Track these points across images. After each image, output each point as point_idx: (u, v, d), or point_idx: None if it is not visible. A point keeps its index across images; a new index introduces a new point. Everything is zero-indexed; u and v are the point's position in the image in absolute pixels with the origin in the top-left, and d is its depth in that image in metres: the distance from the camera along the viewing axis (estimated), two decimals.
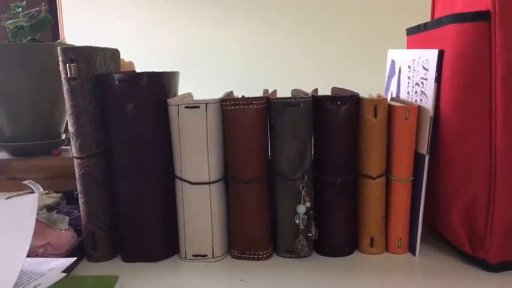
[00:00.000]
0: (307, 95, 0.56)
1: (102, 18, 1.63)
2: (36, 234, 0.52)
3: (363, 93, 0.58)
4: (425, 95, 0.54)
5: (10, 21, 0.82)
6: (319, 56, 1.57)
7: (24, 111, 0.81)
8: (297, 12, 1.58)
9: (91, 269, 0.54)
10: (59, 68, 0.53)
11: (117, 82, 0.53)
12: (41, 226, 0.56)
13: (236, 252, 0.56)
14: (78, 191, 0.55)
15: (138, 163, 0.54)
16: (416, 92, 0.57)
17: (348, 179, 0.55)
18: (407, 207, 0.56)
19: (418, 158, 0.54)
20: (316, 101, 0.54)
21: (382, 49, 0.72)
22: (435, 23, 0.55)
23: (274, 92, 0.64)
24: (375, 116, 0.53)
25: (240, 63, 1.60)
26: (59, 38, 1.54)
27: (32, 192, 0.67)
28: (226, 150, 0.55)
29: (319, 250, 0.57)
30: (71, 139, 0.54)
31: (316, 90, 0.63)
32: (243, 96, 0.59)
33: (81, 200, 0.55)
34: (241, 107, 0.53)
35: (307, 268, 0.54)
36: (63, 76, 0.53)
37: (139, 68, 0.73)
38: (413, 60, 0.58)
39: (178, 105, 0.53)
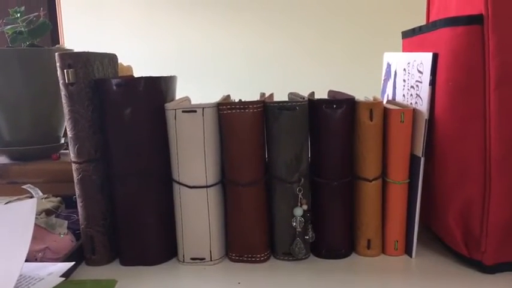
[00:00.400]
0: (304, 98, 0.56)
1: (103, 22, 1.64)
2: (35, 238, 0.53)
3: (362, 96, 0.59)
4: (420, 97, 0.54)
5: (9, 27, 0.83)
6: (319, 58, 1.58)
7: (24, 115, 0.82)
8: (296, 15, 1.58)
9: (90, 273, 0.54)
10: (57, 73, 0.53)
11: (114, 87, 0.53)
12: (40, 230, 0.56)
13: (234, 255, 0.57)
14: (77, 195, 0.56)
15: (135, 167, 0.54)
16: (411, 94, 0.57)
17: (345, 182, 0.55)
18: (404, 209, 0.56)
19: (413, 161, 0.55)
20: (313, 105, 0.54)
21: (381, 51, 0.72)
22: (430, 26, 0.55)
23: (271, 95, 0.65)
24: (371, 119, 0.54)
25: (241, 65, 1.60)
26: (59, 43, 1.55)
27: (32, 196, 0.68)
28: (223, 153, 0.55)
29: (317, 252, 0.57)
30: (69, 144, 0.55)
31: (312, 93, 0.63)
32: (240, 100, 0.59)
33: (79, 204, 0.56)
34: (238, 111, 0.53)
35: (304, 271, 0.54)
36: (61, 81, 0.53)
37: (139, 72, 0.73)
38: (409, 63, 0.58)
39: (175, 109, 0.53)
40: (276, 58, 1.59)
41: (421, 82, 0.54)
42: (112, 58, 0.61)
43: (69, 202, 0.67)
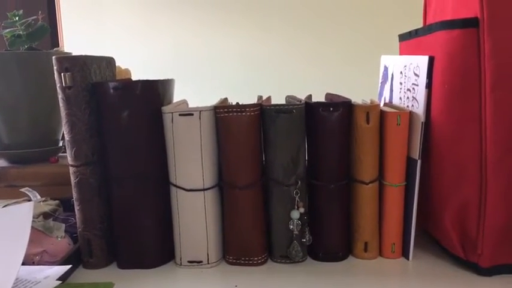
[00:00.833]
0: (301, 101, 0.56)
1: (102, 25, 1.64)
2: (32, 241, 0.53)
3: (359, 99, 0.59)
4: (417, 100, 0.54)
5: (7, 30, 0.83)
6: (317, 60, 1.58)
7: (22, 118, 0.82)
8: (295, 18, 1.59)
9: (87, 276, 0.54)
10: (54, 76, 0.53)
11: (111, 90, 0.53)
12: (37, 234, 0.56)
13: (231, 258, 0.57)
14: (74, 198, 0.56)
15: (133, 170, 0.55)
16: (408, 97, 0.57)
17: (341, 185, 0.56)
18: (400, 212, 0.56)
19: (410, 163, 0.55)
20: (309, 108, 0.54)
21: (379, 54, 0.72)
22: (426, 29, 0.56)
23: (268, 98, 0.65)
24: (367, 121, 0.54)
25: (238, 68, 1.61)
26: (58, 46, 1.55)
27: (30, 199, 0.68)
28: (220, 156, 0.55)
29: (314, 255, 0.57)
30: (67, 147, 0.55)
31: (310, 96, 0.63)
32: (237, 103, 0.59)
33: (76, 208, 0.56)
34: (235, 114, 0.53)
35: (301, 273, 0.54)
36: (58, 85, 0.53)
37: (138, 74, 0.73)
38: (405, 66, 0.58)
39: (172, 112, 0.53)
40: (273, 61, 1.59)
41: (417, 85, 0.54)
42: (110, 61, 0.61)
43: (67, 205, 0.67)
